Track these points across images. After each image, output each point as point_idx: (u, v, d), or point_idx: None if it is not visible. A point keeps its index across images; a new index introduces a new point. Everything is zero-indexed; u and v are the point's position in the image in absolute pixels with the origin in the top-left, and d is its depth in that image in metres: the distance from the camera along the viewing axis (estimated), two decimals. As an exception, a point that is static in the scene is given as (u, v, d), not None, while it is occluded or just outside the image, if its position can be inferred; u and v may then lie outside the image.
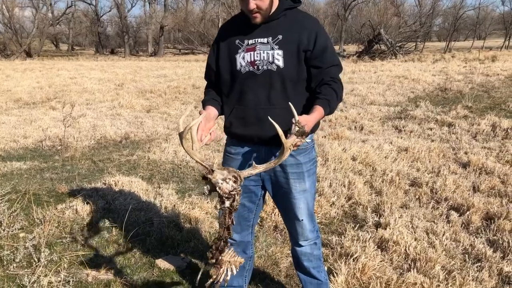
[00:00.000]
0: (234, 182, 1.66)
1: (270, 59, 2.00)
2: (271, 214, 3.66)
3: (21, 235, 3.23)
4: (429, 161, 5.22)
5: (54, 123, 7.52)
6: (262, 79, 2.02)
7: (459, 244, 3.24)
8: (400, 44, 27.32)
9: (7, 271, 2.79)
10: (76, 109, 8.42)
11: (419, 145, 5.70)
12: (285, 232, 3.39)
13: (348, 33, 48.68)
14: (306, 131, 1.77)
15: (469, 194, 4.17)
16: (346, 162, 5.01)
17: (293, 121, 1.76)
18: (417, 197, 4.17)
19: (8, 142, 6.32)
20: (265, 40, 2.02)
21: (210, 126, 1.97)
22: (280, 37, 2.01)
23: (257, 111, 2.05)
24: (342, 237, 3.33)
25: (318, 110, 1.94)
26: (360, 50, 28.30)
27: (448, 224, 3.57)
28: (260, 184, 2.24)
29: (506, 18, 46.43)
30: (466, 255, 3.09)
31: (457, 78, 13.29)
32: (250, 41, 2.04)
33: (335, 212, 3.83)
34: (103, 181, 4.44)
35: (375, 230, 3.40)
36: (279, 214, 3.33)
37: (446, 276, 2.77)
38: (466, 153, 5.51)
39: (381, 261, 2.92)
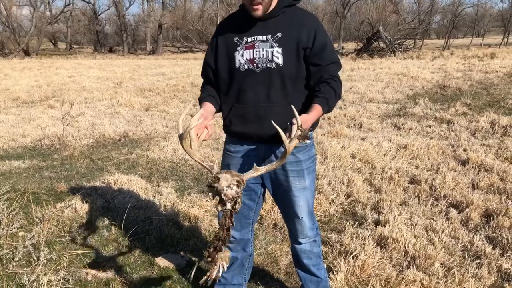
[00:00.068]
0: (237, 186, 1.66)
1: (270, 56, 2.00)
2: (270, 212, 3.66)
3: (20, 234, 3.22)
4: (428, 159, 5.22)
5: (52, 122, 7.51)
6: (261, 77, 2.02)
7: (459, 241, 3.24)
8: (399, 41, 27.29)
9: (7, 270, 2.79)
10: (75, 108, 8.41)
11: (418, 143, 5.70)
12: (284, 230, 3.39)
13: (346, 30, 48.63)
14: (308, 135, 1.78)
15: (468, 191, 4.18)
16: (345, 159, 5.01)
17: (294, 122, 1.77)
18: (416, 194, 4.17)
19: (7, 141, 6.31)
20: (264, 37, 2.01)
21: (206, 122, 1.96)
22: (279, 34, 2.00)
23: (257, 109, 2.04)
24: (342, 234, 3.34)
25: (317, 109, 1.94)
26: (359, 47, 28.26)
27: (447, 221, 3.57)
28: (260, 182, 2.23)
29: (504, 15, 46.38)
30: (466, 252, 3.10)
31: (456, 75, 13.29)
32: (249, 39, 2.03)
33: (335, 210, 3.83)
34: (102, 180, 4.43)
35: (375, 228, 3.41)
36: (279, 212, 3.34)
37: (446, 273, 2.77)
38: (465, 150, 5.51)
39: (380, 259, 2.92)
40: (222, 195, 1.64)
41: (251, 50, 2.02)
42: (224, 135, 2.28)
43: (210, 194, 1.70)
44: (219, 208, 1.69)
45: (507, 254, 3.03)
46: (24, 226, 3.35)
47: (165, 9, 44.34)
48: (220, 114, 2.21)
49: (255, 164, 1.77)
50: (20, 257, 2.91)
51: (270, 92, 2.03)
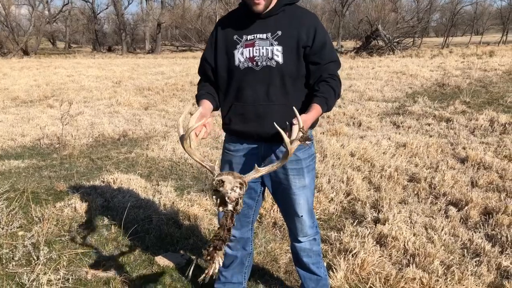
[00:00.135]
0: (240, 188, 1.66)
1: (270, 55, 1.99)
2: (270, 210, 3.66)
3: (20, 233, 3.22)
4: (427, 157, 5.23)
5: (51, 121, 7.50)
6: (261, 75, 2.01)
7: (458, 239, 3.25)
8: (398, 39, 27.27)
9: (6, 269, 2.79)
10: (74, 107, 8.41)
11: (417, 141, 5.70)
12: (284, 228, 3.39)
13: (345, 29, 48.62)
14: (309, 137, 1.79)
15: (467, 189, 4.18)
16: (345, 158, 5.02)
17: (295, 122, 1.77)
18: (415, 192, 4.18)
19: (6, 140, 6.30)
20: (264, 35, 2.01)
21: (204, 121, 1.95)
22: (279, 33, 2.00)
23: (256, 108, 2.04)
24: (341, 233, 3.34)
25: (316, 109, 1.94)
26: (358, 46, 28.24)
27: (446, 219, 3.58)
28: (260, 181, 2.23)
29: (503, 13, 46.41)
30: (465, 250, 3.10)
31: (455, 74, 13.30)
32: (249, 37, 2.03)
33: (334, 208, 3.83)
34: (102, 179, 4.43)
35: (374, 226, 3.41)
36: (278, 210, 3.34)
37: (445, 271, 2.78)
38: (464, 148, 5.52)
39: (380, 257, 2.93)
40: (226, 198, 1.64)
41: (250, 48, 2.01)
42: (224, 133, 2.28)
43: (214, 197, 1.70)
44: (220, 208, 1.69)
45: (507, 252, 3.04)
46: (23, 226, 3.35)
47: (164, 8, 44.30)
48: (219, 112, 2.21)
49: (256, 165, 1.77)
50: (20, 256, 2.91)
51: (269, 90, 2.02)
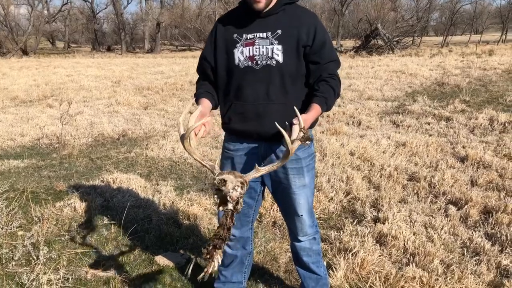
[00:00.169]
0: (241, 188, 1.67)
1: (270, 54, 1.99)
2: (269, 210, 3.66)
3: (20, 233, 3.22)
4: (427, 156, 5.23)
5: (51, 121, 7.49)
6: (261, 74, 2.01)
7: (458, 238, 3.25)
8: (397, 39, 27.28)
9: (6, 269, 2.79)
10: (73, 107, 8.41)
11: (417, 140, 5.70)
12: (283, 227, 3.39)
13: (345, 28, 48.62)
14: (310, 137, 1.79)
15: (467, 188, 4.18)
16: (344, 157, 5.02)
17: (296, 122, 1.77)
18: (415, 191, 4.18)
19: (5, 140, 6.30)
20: (264, 34, 2.00)
21: (204, 120, 1.94)
22: (279, 32, 1.99)
23: (256, 107, 2.04)
24: (341, 232, 3.34)
25: (316, 108, 1.94)
26: (357, 45, 28.26)
27: (446, 218, 3.58)
28: (260, 180, 2.23)
29: (503, 12, 46.39)
30: (465, 249, 3.10)
31: (454, 73, 13.30)
32: (249, 36, 2.02)
33: (334, 207, 3.83)
34: (101, 179, 4.43)
35: (374, 225, 3.41)
36: (278, 209, 3.35)
37: (445, 270, 2.78)
38: (464, 147, 5.52)
39: (380, 256, 2.92)
40: (228, 197, 1.64)
41: (250, 47, 2.01)
42: (223, 133, 2.28)
43: (215, 196, 1.70)
44: (221, 208, 1.69)
45: (506, 251, 3.04)
46: (23, 225, 3.35)
47: (163, 8, 44.27)
48: (219, 112, 2.20)
49: (256, 165, 1.77)
50: (20, 256, 2.90)
51: (269, 89, 2.02)
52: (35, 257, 2.86)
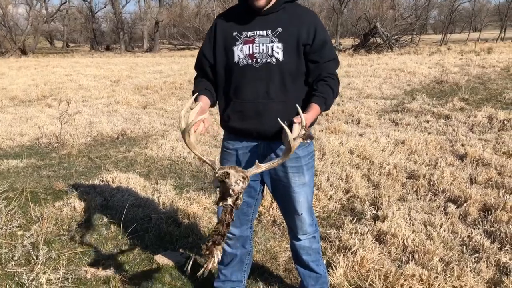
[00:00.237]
0: (243, 182, 1.67)
1: (270, 52, 1.99)
2: (269, 208, 3.67)
3: (19, 233, 3.22)
4: (426, 154, 5.23)
5: (50, 121, 7.49)
6: (260, 72, 2.01)
7: (457, 236, 3.25)
8: (396, 37, 27.27)
9: (6, 269, 2.78)
10: (72, 106, 8.39)
11: (416, 138, 5.71)
12: (283, 226, 3.39)
13: (343, 26, 48.60)
14: (311, 135, 1.79)
15: (466, 186, 4.19)
16: (344, 155, 5.02)
17: (297, 121, 1.78)
18: (414, 189, 4.18)
19: (4, 140, 6.29)
20: (264, 32, 2.00)
21: (203, 117, 1.93)
22: (279, 30, 1.99)
23: (256, 105, 2.03)
24: (340, 230, 3.34)
25: (315, 108, 1.95)
26: (356, 43, 28.24)
27: (445, 216, 3.58)
28: (259, 179, 2.23)
29: (501, 9, 46.42)
30: (464, 247, 3.10)
31: (453, 71, 13.30)
32: (249, 33, 2.02)
33: (333, 206, 3.83)
34: (101, 178, 4.42)
35: (373, 223, 3.41)
36: (277, 208, 3.34)
37: (444, 267, 2.78)
38: (463, 145, 5.52)
39: (379, 254, 2.93)
40: (230, 190, 1.64)
41: (250, 45, 2.01)
42: (222, 132, 2.27)
43: (217, 189, 1.70)
44: (220, 203, 1.69)
45: (506, 248, 3.05)
46: (22, 225, 3.35)
47: (161, 7, 44.21)
48: (217, 110, 2.20)
49: (257, 161, 1.77)
50: (19, 256, 2.90)
51: (269, 87, 2.02)
52: (34, 257, 2.86)
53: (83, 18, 48.79)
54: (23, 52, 34.54)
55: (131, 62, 23.22)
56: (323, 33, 2.04)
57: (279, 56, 1.99)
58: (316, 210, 3.65)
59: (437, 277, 2.63)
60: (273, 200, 3.53)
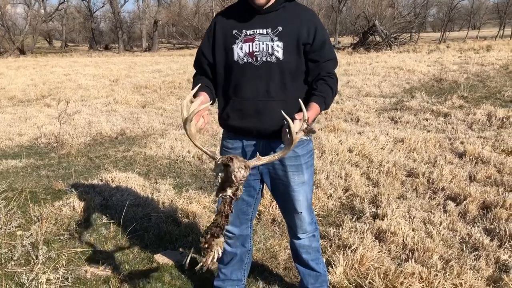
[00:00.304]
0: (244, 171, 1.66)
1: (270, 50, 1.99)
2: (268, 207, 3.67)
3: (19, 233, 3.22)
4: (426, 152, 5.23)
5: (49, 120, 7.48)
6: (260, 71, 2.00)
7: (456, 234, 3.26)
8: (395, 35, 27.28)
9: (5, 269, 2.78)
10: (71, 106, 8.38)
11: (415, 136, 5.71)
12: (283, 225, 3.39)
13: (342, 25, 48.55)
14: (313, 129, 1.80)
15: (465, 183, 4.19)
16: (343, 154, 5.02)
17: (298, 117, 1.78)
18: (414, 187, 4.18)
19: (3, 140, 6.28)
20: (264, 31, 1.99)
21: (203, 112, 1.90)
22: (280, 28, 1.99)
23: (256, 103, 2.03)
24: (340, 228, 3.34)
25: (315, 107, 1.96)
26: (355, 42, 28.23)
27: (445, 214, 3.58)
28: (259, 178, 2.23)
29: (500, 7, 46.42)
30: (464, 244, 3.11)
31: (452, 68, 13.31)
32: (249, 32, 2.01)
33: (333, 204, 3.84)
34: (100, 178, 4.42)
35: (373, 221, 3.42)
36: (277, 207, 3.35)
37: (444, 265, 2.78)
38: (462, 143, 5.52)
39: (379, 252, 2.93)
40: (232, 176, 1.63)
41: (250, 43, 2.00)
42: (221, 130, 2.27)
43: (220, 174, 1.69)
44: (220, 194, 1.68)
45: (505, 246, 3.05)
46: (22, 225, 3.35)
47: (160, 6, 44.14)
48: (216, 109, 2.19)
49: (258, 153, 1.77)
50: (19, 256, 2.90)
51: (269, 86, 2.01)
52: (34, 257, 2.86)
53: (82, 18, 48.71)
54: (22, 52, 34.51)
55: (130, 61, 23.19)
56: (323, 33, 2.04)
57: (279, 54, 1.98)
58: (315, 209, 3.65)
59: (436, 275, 2.63)
60: (272, 199, 3.53)
